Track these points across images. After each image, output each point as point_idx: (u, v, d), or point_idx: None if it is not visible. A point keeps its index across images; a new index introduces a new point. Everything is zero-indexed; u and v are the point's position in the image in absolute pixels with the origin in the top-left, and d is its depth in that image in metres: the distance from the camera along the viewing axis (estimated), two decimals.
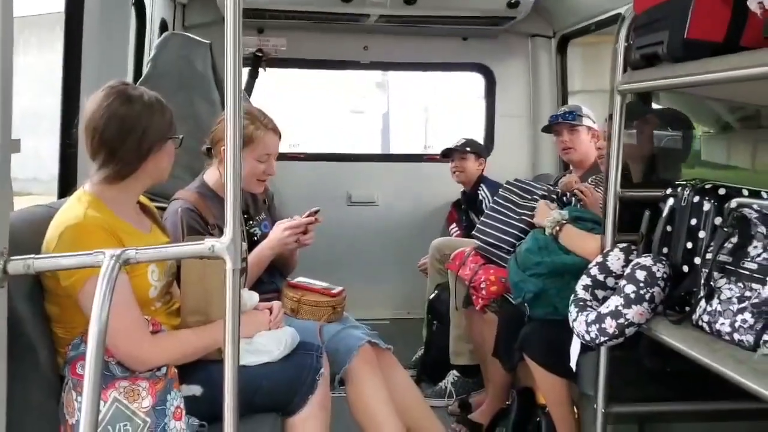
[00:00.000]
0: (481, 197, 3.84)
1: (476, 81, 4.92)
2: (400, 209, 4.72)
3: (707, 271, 1.76)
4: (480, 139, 4.65)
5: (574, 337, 2.13)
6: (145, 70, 3.21)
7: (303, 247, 2.48)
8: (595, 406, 2.18)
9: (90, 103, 1.83)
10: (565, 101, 4.63)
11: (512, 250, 2.83)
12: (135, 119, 1.81)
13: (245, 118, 2.41)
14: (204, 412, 1.78)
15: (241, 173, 2.36)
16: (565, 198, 2.87)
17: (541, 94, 4.71)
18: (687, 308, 1.88)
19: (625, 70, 2.10)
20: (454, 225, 4.40)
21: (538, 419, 2.56)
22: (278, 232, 2.40)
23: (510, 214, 2.92)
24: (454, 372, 3.34)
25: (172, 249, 1.47)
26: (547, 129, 3.61)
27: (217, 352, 1.83)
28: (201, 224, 2.31)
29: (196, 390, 1.80)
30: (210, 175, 2.52)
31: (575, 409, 2.45)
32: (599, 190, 2.92)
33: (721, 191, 1.88)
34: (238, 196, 1.46)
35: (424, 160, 4.92)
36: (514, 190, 3.01)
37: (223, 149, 2.40)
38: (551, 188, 2.97)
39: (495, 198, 3.11)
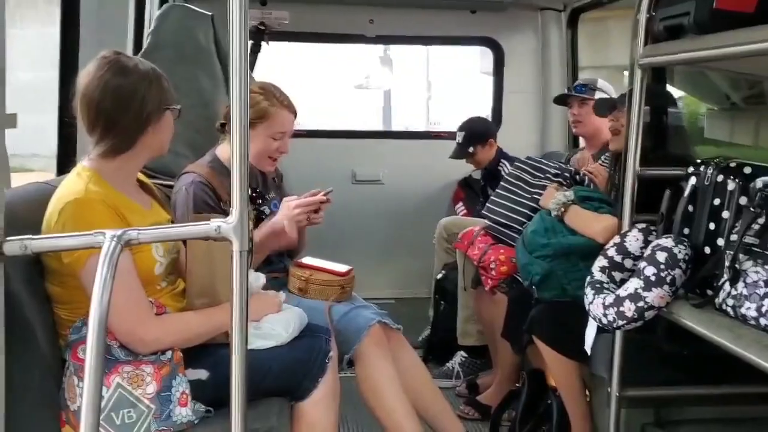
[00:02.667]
0: (504, 173, 3.71)
1: (479, 56, 4.81)
2: (405, 187, 4.64)
3: (732, 253, 1.70)
4: (487, 115, 4.56)
5: (590, 320, 2.08)
6: (145, 43, 3.12)
7: (312, 225, 2.42)
8: (609, 389, 2.13)
9: (83, 75, 1.76)
10: (575, 77, 4.53)
11: (522, 229, 2.77)
12: (131, 90, 1.73)
13: (260, 93, 2.36)
14: (210, 397, 1.72)
15: (249, 150, 2.31)
16: (578, 177, 2.80)
17: (551, 69, 4.60)
18: (708, 291, 1.82)
19: (646, 43, 2.02)
20: (460, 204, 4.33)
21: (549, 401, 2.51)
22: (288, 209, 2.33)
23: (521, 192, 2.85)
24: (462, 353, 3.29)
25: (176, 229, 1.41)
26: (560, 101, 3.52)
27: (224, 335, 1.77)
28: (213, 199, 2.26)
29: (202, 374, 1.74)
30: (223, 151, 2.45)
31: (587, 392, 2.41)
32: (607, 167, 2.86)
33: (747, 170, 1.81)
34: (245, 174, 1.41)
35: (430, 137, 4.84)
36: (526, 168, 2.93)
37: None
38: (564, 167, 2.89)
39: (505, 176, 3.03)
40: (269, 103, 2.36)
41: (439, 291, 3.53)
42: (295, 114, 2.45)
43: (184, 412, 1.63)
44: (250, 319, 1.72)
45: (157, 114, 1.78)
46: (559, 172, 2.80)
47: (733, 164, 1.85)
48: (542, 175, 2.84)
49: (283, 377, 1.83)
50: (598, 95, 3.29)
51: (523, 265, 2.45)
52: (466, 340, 3.23)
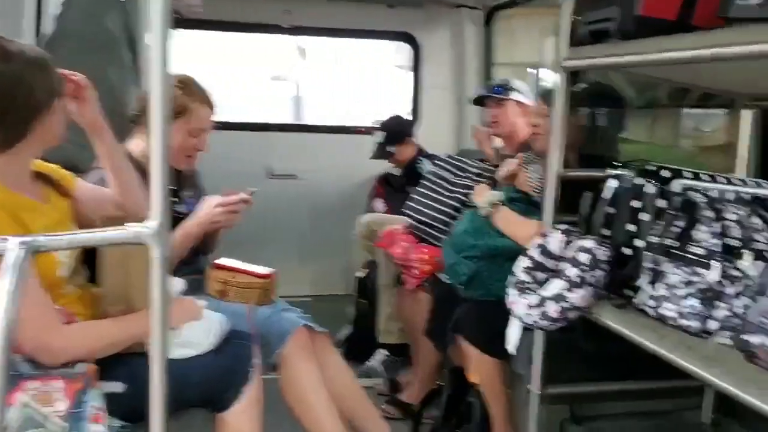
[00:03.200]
0: (423, 170, 3.71)
1: (394, 50, 4.80)
2: (323, 183, 4.58)
3: (652, 254, 1.74)
4: (406, 111, 4.56)
5: (513, 320, 2.09)
6: (48, 29, 2.92)
7: (228, 227, 2.33)
8: (529, 387, 2.16)
9: None
10: (490, 74, 4.59)
11: (445, 228, 2.77)
12: (15, 77, 1.59)
13: (179, 87, 2.24)
14: (127, 411, 1.63)
15: (169, 147, 2.19)
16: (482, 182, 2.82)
17: (467, 66, 4.64)
18: (628, 291, 1.86)
19: (570, 46, 2.04)
20: (380, 200, 4.30)
21: (470, 399, 2.53)
22: (208, 208, 2.24)
23: (443, 191, 2.85)
24: (383, 351, 3.27)
25: (90, 235, 1.30)
26: (478, 102, 3.55)
27: (141, 344, 1.68)
28: None
29: (117, 387, 1.64)
30: (135, 145, 2.32)
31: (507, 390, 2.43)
32: (527, 168, 2.89)
33: (665, 173, 1.86)
34: (165, 173, 1.31)
35: (348, 131, 4.79)
36: (447, 166, 2.94)
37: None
38: (486, 166, 2.91)
39: (426, 175, 3.03)
40: (189, 98, 2.26)
41: (360, 289, 3.50)
42: (214, 110, 2.35)
43: (98, 430, 1.53)
44: (169, 326, 1.63)
45: (47, 103, 1.64)
46: (481, 171, 2.82)
47: (652, 167, 1.89)
48: (464, 174, 2.85)
49: (204, 387, 1.75)
50: (513, 95, 3.34)
51: (450, 265, 2.44)
52: (388, 339, 3.21)
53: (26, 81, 1.59)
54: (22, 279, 1.17)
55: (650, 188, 1.85)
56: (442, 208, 2.80)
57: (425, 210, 2.86)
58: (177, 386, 1.64)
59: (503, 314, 2.29)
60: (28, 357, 1.50)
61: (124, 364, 1.67)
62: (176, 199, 2.39)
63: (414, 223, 2.92)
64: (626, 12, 1.74)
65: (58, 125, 1.71)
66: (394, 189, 4.30)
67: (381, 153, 3.87)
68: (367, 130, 4.60)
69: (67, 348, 1.54)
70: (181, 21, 4.13)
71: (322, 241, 4.56)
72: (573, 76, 2.14)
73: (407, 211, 2.97)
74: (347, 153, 4.59)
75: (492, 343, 2.33)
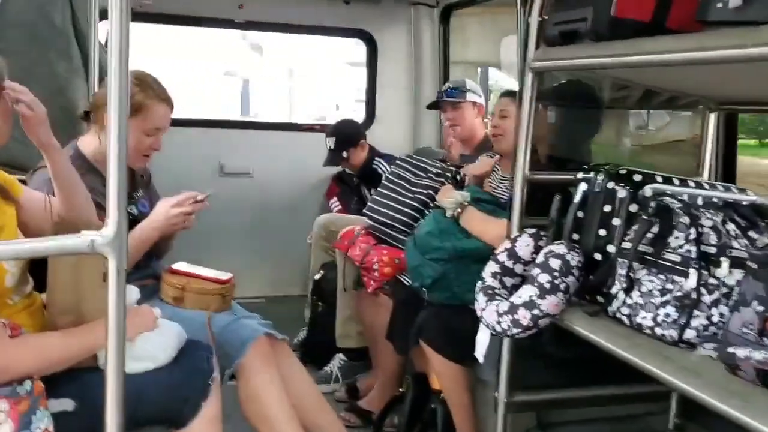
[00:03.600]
0: (380, 171, 3.64)
1: (345, 47, 4.73)
2: (277, 181, 4.47)
3: (626, 261, 1.70)
4: (360, 108, 4.49)
5: (482, 327, 2.04)
6: None
7: (184, 229, 2.22)
8: (495, 394, 2.11)
9: None
10: (446, 73, 4.56)
11: (406, 230, 2.71)
12: None
13: (136, 84, 2.11)
14: (77, 430, 1.51)
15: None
16: (458, 177, 2.77)
17: (423, 64, 4.60)
18: (599, 298, 1.83)
19: (537, 46, 2.00)
20: (335, 199, 4.23)
21: (433, 406, 2.47)
22: (165, 210, 2.12)
23: (403, 192, 2.79)
24: (340, 355, 3.19)
25: (41, 244, 1.19)
26: (433, 106, 3.52)
27: (92, 358, 1.56)
28: None
29: (67, 404, 1.52)
30: (86, 144, 2.20)
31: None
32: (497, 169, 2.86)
33: (637, 177, 1.83)
34: (123, 177, 1.22)
35: (302, 129, 4.69)
36: (407, 167, 2.88)
37: (107, 116, 2.11)
38: (445, 166, 2.86)
39: (386, 175, 2.96)
40: (145, 95, 2.13)
41: (317, 291, 3.41)
42: (172, 108, 2.24)
43: None
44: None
45: None
46: (441, 171, 2.77)
47: (623, 171, 1.86)
48: (424, 174, 2.80)
49: (161, 403, 1.64)
50: (469, 97, 3.31)
51: (414, 267, 2.37)
52: (346, 342, 3.13)
53: None
54: None
55: (622, 192, 1.82)
56: (403, 208, 2.74)
57: (385, 211, 2.80)
58: (132, 403, 1.53)
59: (468, 319, 2.25)
60: None
61: (74, 379, 1.55)
62: (128, 200, 2.27)
63: (374, 224, 2.85)
64: (600, 13, 1.70)
65: (1, 122, 1.58)
66: (350, 188, 4.24)
67: (334, 159, 3.81)
68: (322, 128, 4.52)
69: (11, 364, 1.41)
70: (133, 14, 3.96)
71: (276, 240, 4.46)
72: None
73: (367, 212, 2.90)
74: (303, 151, 4.50)
75: (456, 349, 2.28)
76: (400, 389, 2.64)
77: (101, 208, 2.15)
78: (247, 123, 4.96)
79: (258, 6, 4.30)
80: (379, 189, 2.93)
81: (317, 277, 3.42)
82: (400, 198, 2.77)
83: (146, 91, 2.16)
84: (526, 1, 1.95)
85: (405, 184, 2.80)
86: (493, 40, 5.10)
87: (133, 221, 2.24)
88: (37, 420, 1.39)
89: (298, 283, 4.53)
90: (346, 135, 3.78)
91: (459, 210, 2.33)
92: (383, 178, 3.02)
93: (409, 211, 2.71)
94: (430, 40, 4.55)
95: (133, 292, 1.80)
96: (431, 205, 2.70)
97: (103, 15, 3.39)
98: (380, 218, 2.80)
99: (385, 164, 3.68)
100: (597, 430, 2.38)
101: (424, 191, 2.72)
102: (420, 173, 2.80)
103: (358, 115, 4.65)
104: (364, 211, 2.96)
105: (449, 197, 2.36)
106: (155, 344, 1.68)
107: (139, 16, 4.02)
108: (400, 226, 2.71)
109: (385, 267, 2.71)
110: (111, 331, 1.22)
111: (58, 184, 1.79)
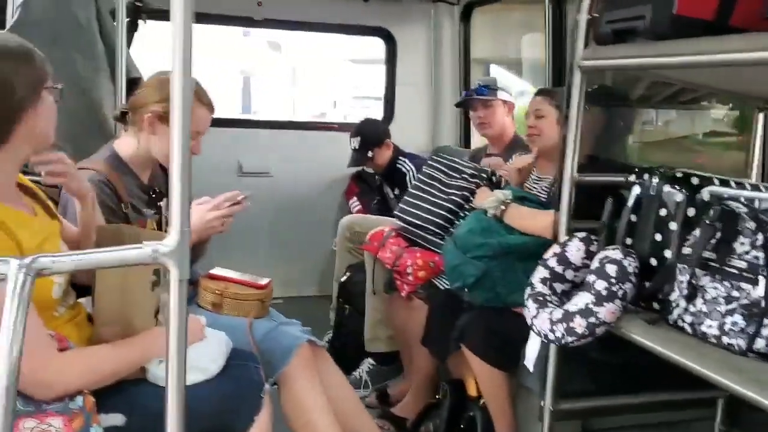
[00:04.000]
0: (404, 170, 3.58)
1: (348, 44, 4.68)
2: (295, 180, 4.42)
3: (687, 267, 1.65)
4: (358, 105, 4.44)
5: (532, 335, 1.98)
6: (12, 18, 2.69)
7: (221, 232, 2.16)
8: (542, 403, 2.06)
9: None
10: (467, 71, 4.49)
11: (440, 232, 2.65)
12: None
13: None
14: None
15: (161, 150, 2.01)
16: (494, 178, 2.71)
17: (443, 63, 4.55)
18: (654, 304, 1.78)
19: (586, 45, 1.94)
20: (354, 199, 4.19)
21: (471, 413, 2.42)
22: (202, 214, 2.06)
23: (436, 193, 2.72)
24: (369, 360, 3.13)
25: (101, 255, 1.14)
26: (461, 104, 3.46)
27: (139, 370, 1.51)
28: (115, 201, 1.96)
29: (117, 419, 1.46)
30: (123, 145, 2.14)
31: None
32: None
33: (694, 180, 1.77)
34: (187, 188, 1.17)
35: (321, 128, 4.64)
36: (439, 167, 2.81)
37: (148, 117, 2.06)
38: (479, 167, 2.80)
39: (418, 176, 2.90)
40: None
41: (343, 294, 3.34)
42: (212, 111, 2.18)
43: None
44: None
45: (32, 98, 1.46)
46: (475, 172, 2.70)
47: (679, 174, 1.80)
48: (458, 175, 2.73)
49: (213, 417, 1.58)
50: (500, 95, 3.26)
51: (453, 267, 2.30)
52: (375, 346, 3.07)
53: (4, 77, 1.40)
54: (24, 306, 1.02)
55: (678, 196, 1.76)
56: (437, 210, 2.67)
57: (418, 212, 2.73)
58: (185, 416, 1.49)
59: (511, 323, 2.20)
60: (19, 390, 1.31)
61: (122, 393, 1.50)
62: (164, 204, 2.22)
63: (406, 225, 2.79)
64: (660, 10, 1.64)
65: (45, 122, 1.51)
66: (369, 187, 4.19)
67: (359, 159, 3.77)
68: (340, 127, 4.47)
69: (63, 378, 1.35)
70: (148, 11, 3.92)
71: (295, 240, 4.41)
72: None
73: (398, 214, 2.84)
74: (322, 150, 4.46)
75: (500, 354, 2.22)
76: (437, 396, 2.58)
77: (137, 211, 2.10)
78: (266, 122, 4.89)
79: (277, 4, 4.24)
80: (410, 190, 2.87)
81: (343, 279, 3.36)
82: (433, 199, 2.71)
83: None
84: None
85: (438, 185, 2.74)
86: (497, 37, 5.06)
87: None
88: None
89: (316, 284, 4.49)
90: (371, 134, 3.73)
91: (502, 208, 2.27)
92: (414, 178, 2.96)
93: (444, 212, 2.65)
94: (450, 38, 4.50)
95: None
96: (466, 206, 2.64)
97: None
98: (413, 220, 2.74)
99: (409, 163, 3.64)
100: None
101: (459, 192, 2.66)
102: (453, 174, 2.74)
103: (357, 113, 4.61)
104: (395, 212, 2.90)
105: (489, 198, 2.30)
106: (204, 355, 1.62)
107: (157, 13, 3.96)
108: (435, 228, 2.65)
109: (420, 270, 2.65)
110: (172, 342, 1.16)
111: (83, 225, 1.75)
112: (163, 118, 2.06)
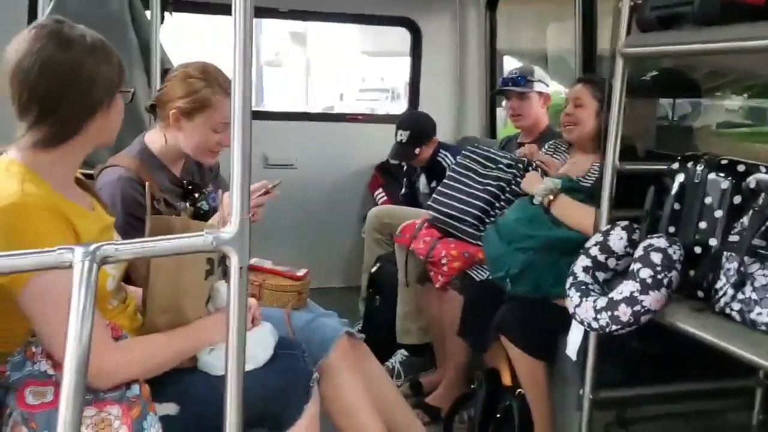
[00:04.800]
0: (445, 164, 3.48)
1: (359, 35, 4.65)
2: (320, 172, 4.43)
3: (734, 255, 1.63)
4: (364, 98, 4.42)
5: (574, 324, 1.97)
6: (46, 9, 2.71)
7: (253, 222, 2.16)
8: (580, 391, 2.05)
9: (14, 48, 1.43)
10: (493, 62, 4.47)
11: (476, 222, 2.64)
12: (76, 67, 1.43)
13: (200, 78, 2.06)
14: None
15: (188, 143, 2.01)
16: (530, 168, 2.69)
17: (468, 52, 4.52)
18: (699, 292, 1.76)
19: (628, 32, 1.92)
20: (380, 191, 4.18)
21: (507, 403, 2.41)
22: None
23: (472, 184, 2.71)
24: (402, 351, 3.12)
25: (162, 243, 1.14)
26: (497, 91, 3.43)
27: (190, 358, 1.52)
28: (144, 198, 1.96)
29: (170, 408, 1.47)
30: (153, 139, 2.14)
31: None
32: (557, 157, 2.78)
33: (740, 168, 1.75)
34: (247, 177, 1.18)
35: (345, 119, 4.63)
36: (475, 158, 2.80)
37: (173, 113, 2.07)
38: (516, 157, 2.78)
39: (453, 167, 2.88)
40: (212, 91, 2.07)
41: (373, 285, 3.34)
42: None
43: None
44: (221, 339, 1.48)
45: (107, 97, 1.48)
46: (512, 162, 2.69)
47: (724, 161, 1.78)
48: (494, 166, 2.72)
49: (263, 405, 1.57)
50: (536, 87, 3.23)
51: (496, 257, 2.28)
52: (407, 339, 3.07)
53: (87, 72, 1.43)
54: (92, 293, 1.03)
55: (724, 183, 1.75)
56: (474, 201, 2.65)
57: (454, 203, 2.71)
58: None
59: (551, 314, 2.19)
60: None
61: (174, 382, 1.51)
62: (197, 195, 2.22)
63: (441, 217, 2.77)
64: None
65: (116, 122, 1.55)
66: (394, 178, 4.18)
67: (404, 154, 3.56)
68: (365, 118, 4.46)
69: (121, 368, 1.37)
70: (174, 3, 3.93)
71: (319, 231, 4.42)
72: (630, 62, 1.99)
73: (433, 205, 2.82)
74: (346, 141, 4.46)
75: (538, 344, 2.22)
76: (471, 386, 2.58)
77: (168, 205, 2.11)
78: (290, 114, 4.90)
79: None
80: (444, 181, 2.85)
81: (374, 270, 3.35)
82: (469, 190, 2.70)
83: (213, 86, 2.10)
84: None
85: (474, 176, 2.72)
86: (510, 29, 5.02)
87: (203, 216, 2.20)
88: (149, 425, 1.33)
89: (342, 275, 4.49)
90: (422, 131, 3.54)
91: (550, 198, 2.25)
92: (448, 169, 2.94)
93: (480, 203, 2.64)
94: (476, 28, 4.47)
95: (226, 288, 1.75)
96: (502, 197, 2.63)
97: (146, 5, 3.35)
98: (449, 211, 2.73)
99: (450, 156, 3.46)
100: (677, 426, 2.32)
101: (494, 182, 2.65)
102: (489, 164, 2.72)
103: (363, 105, 4.58)
104: (429, 203, 2.89)
105: (538, 185, 2.29)
106: (255, 344, 1.63)
107: (183, 5, 3.97)
108: (471, 219, 2.63)
109: (454, 261, 2.64)
110: (232, 329, 1.17)
111: None
112: (188, 113, 2.07)
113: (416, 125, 3.56)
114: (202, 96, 2.06)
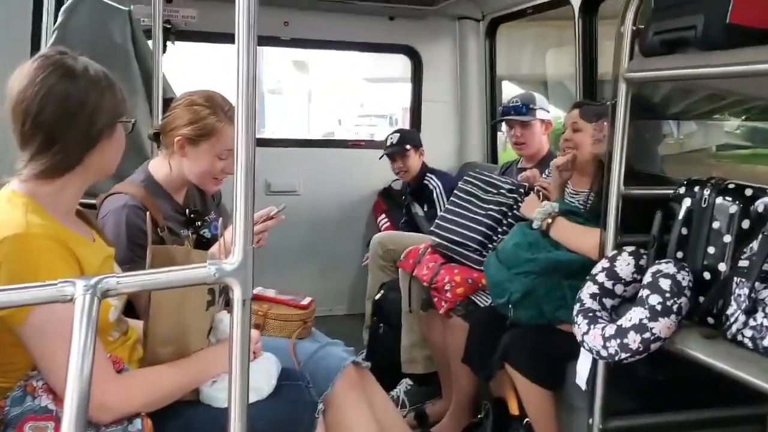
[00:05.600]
0: (431, 187, 3.59)
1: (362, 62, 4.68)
2: (323, 198, 4.42)
3: (744, 281, 1.61)
4: (364, 123, 4.47)
5: (583, 352, 1.95)
6: (49, 40, 2.72)
7: (258, 247, 2.14)
8: (589, 420, 2.01)
9: (17, 78, 1.43)
10: (493, 87, 4.48)
11: (479, 248, 2.62)
12: (80, 98, 1.43)
13: (205, 106, 2.06)
14: None
15: (192, 170, 2.00)
16: (532, 192, 2.68)
17: (469, 79, 4.54)
18: (709, 319, 1.74)
19: (631, 56, 1.92)
20: (383, 216, 4.17)
21: None
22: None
23: (474, 209, 2.70)
24: (407, 380, 3.08)
25: (165, 275, 1.12)
26: (499, 120, 3.43)
27: (192, 391, 1.49)
28: (149, 226, 1.95)
29: None
30: (157, 167, 2.14)
31: None
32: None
33: (748, 192, 1.73)
34: (250, 208, 1.17)
35: (347, 146, 4.64)
36: (477, 183, 2.79)
37: (178, 140, 2.06)
38: (516, 182, 2.77)
39: (455, 192, 2.88)
40: (216, 118, 2.07)
41: (378, 312, 3.31)
42: None
43: None
44: (223, 371, 1.46)
45: (109, 128, 1.48)
46: (513, 187, 2.68)
47: (731, 185, 1.76)
48: (495, 191, 2.71)
49: None
50: (539, 114, 3.23)
51: (498, 282, 2.27)
52: (412, 368, 3.03)
53: (91, 103, 1.43)
54: (93, 327, 1.01)
55: (732, 208, 1.73)
56: (476, 226, 2.64)
57: (457, 229, 2.71)
58: None
59: (556, 341, 2.16)
60: None
61: (176, 415, 1.48)
62: (200, 223, 2.21)
63: (443, 242, 2.76)
64: (712, 20, 1.62)
65: (117, 152, 1.54)
66: (397, 203, 4.19)
67: (396, 150, 3.82)
68: (368, 144, 4.47)
69: (122, 401, 1.34)
70: (176, 32, 3.95)
71: (323, 258, 4.40)
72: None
73: (435, 230, 2.81)
74: (348, 168, 4.46)
75: (545, 372, 2.19)
76: (478, 415, 2.54)
77: (174, 234, 2.09)
78: (292, 141, 4.91)
79: (303, 23, 4.26)
80: (447, 206, 2.85)
81: (377, 297, 3.32)
82: (471, 215, 2.69)
83: (217, 114, 2.10)
84: (627, 9, 1.87)
85: (476, 201, 2.72)
86: (509, 55, 5.05)
87: (206, 244, 2.18)
88: None
89: (346, 302, 4.47)
90: (410, 134, 3.92)
91: (549, 221, 2.24)
92: (441, 195, 2.97)
93: (482, 228, 2.63)
94: (476, 55, 4.50)
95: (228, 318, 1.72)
96: (504, 222, 2.61)
97: (148, 35, 3.36)
98: (451, 236, 2.71)
99: (436, 180, 3.66)
100: None
101: (497, 208, 2.64)
102: (491, 189, 2.72)
103: (361, 130, 4.62)
104: (431, 229, 2.88)
105: (536, 209, 2.27)
106: (259, 375, 1.60)
107: (185, 34, 3.99)
108: (474, 245, 2.62)
109: (458, 287, 2.62)
110: (235, 362, 1.14)
111: None
112: (193, 140, 2.07)
113: (404, 131, 3.96)
114: (207, 123, 2.06)
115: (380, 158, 3.89)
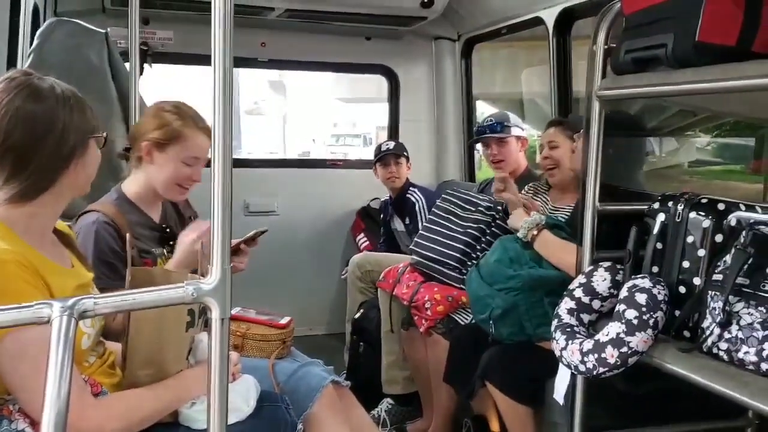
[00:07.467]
0: (413, 200, 3.61)
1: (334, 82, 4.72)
2: (302, 218, 4.41)
3: (719, 294, 1.63)
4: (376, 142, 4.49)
5: (561, 368, 1.96)
6: (25, 62, 2.70)
7: (236, 272, 2.13)
8: None
9: None
10: (469, 106, 4.53)
11: (458, 266, 2.63)
12: (48, 118, 1.41)
13: (173, 112, 2.07)
14: None
15: (158, 177, 1.99)
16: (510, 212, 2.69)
17: (445, 98, 4.58)
18: (685, 332, 1.76)
19: (603, 75, 1.95)
20: (362, 235, 4.17)
21: None
22: (189, 245, 2.03)
23: (453, 227, 2.71)
24: (388, 399, 3.07)
25: (142, 296, 1.12)
26: (475, 140, 3.47)
27: (171, 413, 1.47)
28: (118, 242, 1.94)
29: None
30: (130, 185, 2.15)
31: None
32: (537, 198, 2.80)
33: (721, 206, 1.76)
34: (228, 228, 1.17)
35: (325, 165, 4.65)
36: (455, 201, 2.80)
37: (145, 145, 2.06)
38: (495, 199, 2.78)
39: (434, 210, 2.89)
40: (182, 123, 2.08)
41: (357, 332, 3.30)
42: (210, 138, 2.17)
43: None
44: (202, 392, 1.45)
45: (81, 145, 1.46)
46: (491, 205, 2.69)
47: (704, 200, 1.79)
48: (473, 209, 2.72)
49: None
50: (514, 131, 3.27)
51: (479, 298, 2.27)
52: (392, 389, 3.02)
53: (60, 121, 1.41)
54: (70, 349, 1.00)
55: (705, 222, 1.76)
56: (454, 244, 2.65)
57: (435, 246, 2.71)
58: None
59: (536, 358, 2.17)
60: None
61: None
62: (173, 242, 2.19)
63: (422, 260, 2.77)
64: (682, 38, 1.65)
65: (91, 169, 1.52)
66: (375, 222, 4.19)
67: (394, 153, 3.84)
68: (346, 164, 4.48)
69: (101, 425, 1.33)
70: (152, 54, 3.95)
71: (303, 278, 4.39)
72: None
73: (414, 248, 2.82)
74: (326, 187, 4.47)
75: (525, 390, 2.19)
76: None
77: (144, 251, 2.08)
78: (270, 161, 4.92)
79: (280, 44, 4.28)
80: (425, 224, 2.86)
81: (357, 316, 3.32)
82: (449, 233, 2.70)
83: (184, 119, 2.11)
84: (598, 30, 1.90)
85: (454, 219, 2.73)
86: (482, 74, 5.12)
87: None
88: None
89: (326, 322, 4.45)
90: (403, 146, 3.94)
91: (534, 233, 2.25)
92: (423, 209, 2.97)
93: (461, 246, 2.64)
94: (452, 74, 4.54)
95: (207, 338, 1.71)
96: (483, 239, 2.63)
97: (125, 57, 3.35)
98: (430, 254, 2.72)
99: (418, 193, 3.67)
100: None
101: (475, 225, 2.65)
102: (469, 207, 2.73)
103: (336, 149, 4.65)
104: (410, 247, 2.88)
105: (522, 221, 2.29)
106: (238, 396, 1.59)
107: (162, 56, 4.00)
108: (453, 262, 2.63)
109: (438, 305, 2.63)
110: (214, 383, 1.14)
111: None
112: (160, 145, 2.08)
113: (398, 142, 3.98)
114: (173, 128, 2.08)
115: (375, 161, 3.88)
